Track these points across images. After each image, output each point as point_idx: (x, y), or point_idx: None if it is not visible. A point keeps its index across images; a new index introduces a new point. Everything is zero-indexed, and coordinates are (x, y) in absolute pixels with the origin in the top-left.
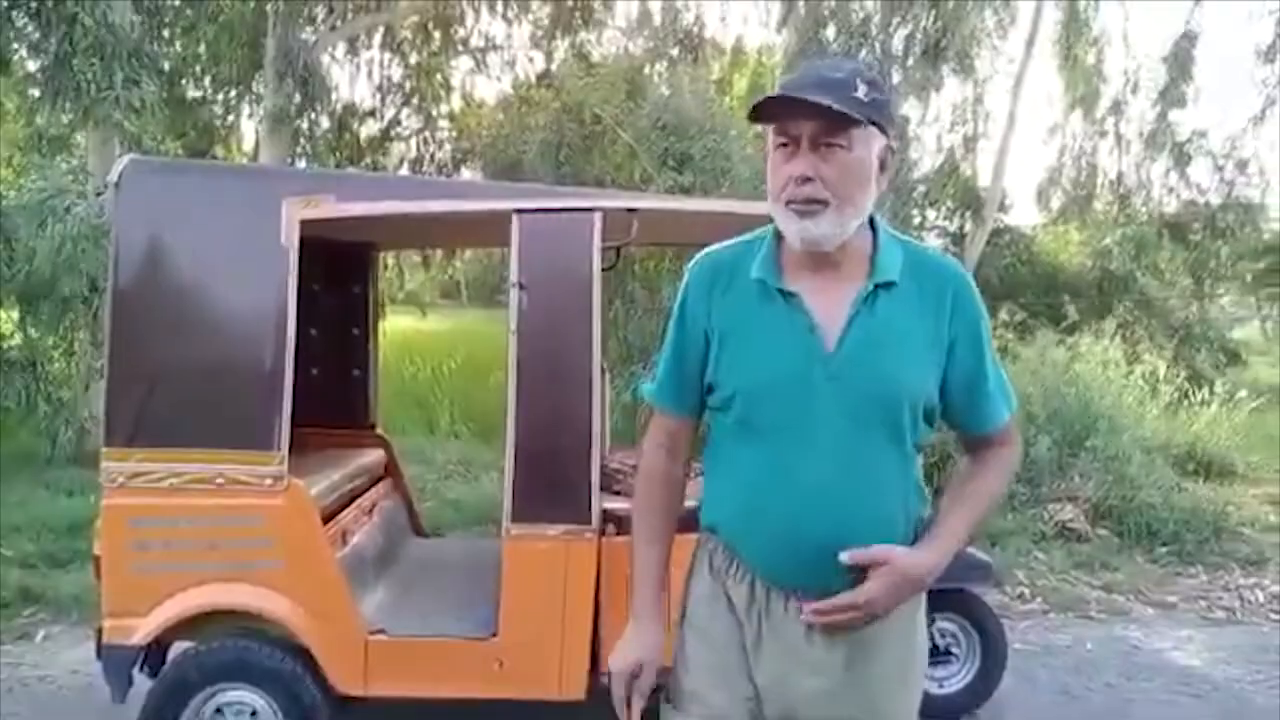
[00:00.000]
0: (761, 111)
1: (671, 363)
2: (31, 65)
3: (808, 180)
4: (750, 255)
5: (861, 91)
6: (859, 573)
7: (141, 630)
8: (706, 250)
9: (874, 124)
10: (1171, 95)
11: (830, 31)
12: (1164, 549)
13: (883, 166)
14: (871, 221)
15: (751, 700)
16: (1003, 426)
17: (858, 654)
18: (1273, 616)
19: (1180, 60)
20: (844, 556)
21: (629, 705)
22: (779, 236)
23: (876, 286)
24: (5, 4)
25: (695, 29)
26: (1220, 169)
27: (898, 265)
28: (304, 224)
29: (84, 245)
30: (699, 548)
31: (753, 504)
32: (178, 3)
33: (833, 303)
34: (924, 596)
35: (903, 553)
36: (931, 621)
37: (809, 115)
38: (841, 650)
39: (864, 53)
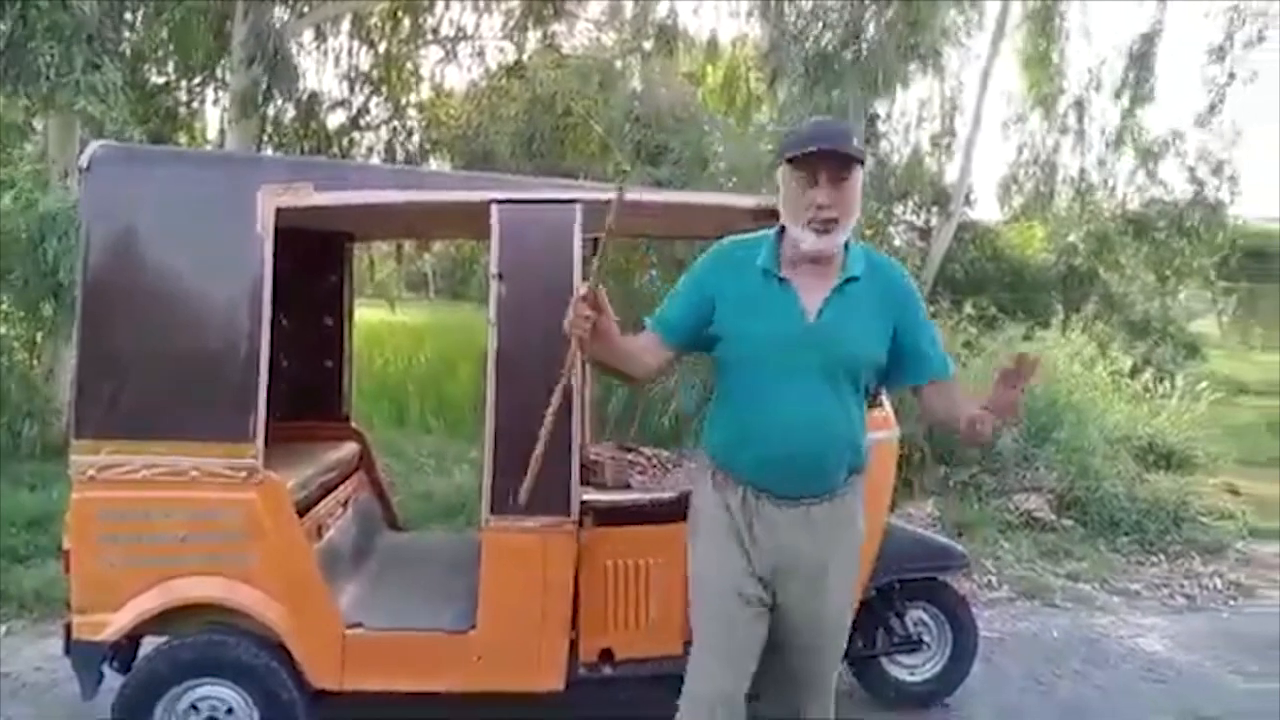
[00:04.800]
0: (800, 157)
1: (678, 306)
2: None
3: (829, 207)
4: (758, 250)
5: (855, 141)
6: (824, 482)
7: (112, 626)
8: (728, 239)
9: (862, 163)
10: (1135, 93)
11: (801, 25)
12: (1127, 538)
13: (862, 193)
14: None
15: (748, 568)
16: (950, 377)
17: (820, 526)
18: (1231, 602)
19: (1143, 58)
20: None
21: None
22: (779, 239)
23: (847, 280)
24: None
25: (668, 21)
26: (1192, 170)
27: (860, 265)
28: (279, 213)
29: (46, 233)
30: (700, 470)
31: (745, 433)
32: None
33: (815, 289)
34: (861, 493)
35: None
36: (905, 611)
37: (831, 159)
38: (804, 526)
39: (847, 51)
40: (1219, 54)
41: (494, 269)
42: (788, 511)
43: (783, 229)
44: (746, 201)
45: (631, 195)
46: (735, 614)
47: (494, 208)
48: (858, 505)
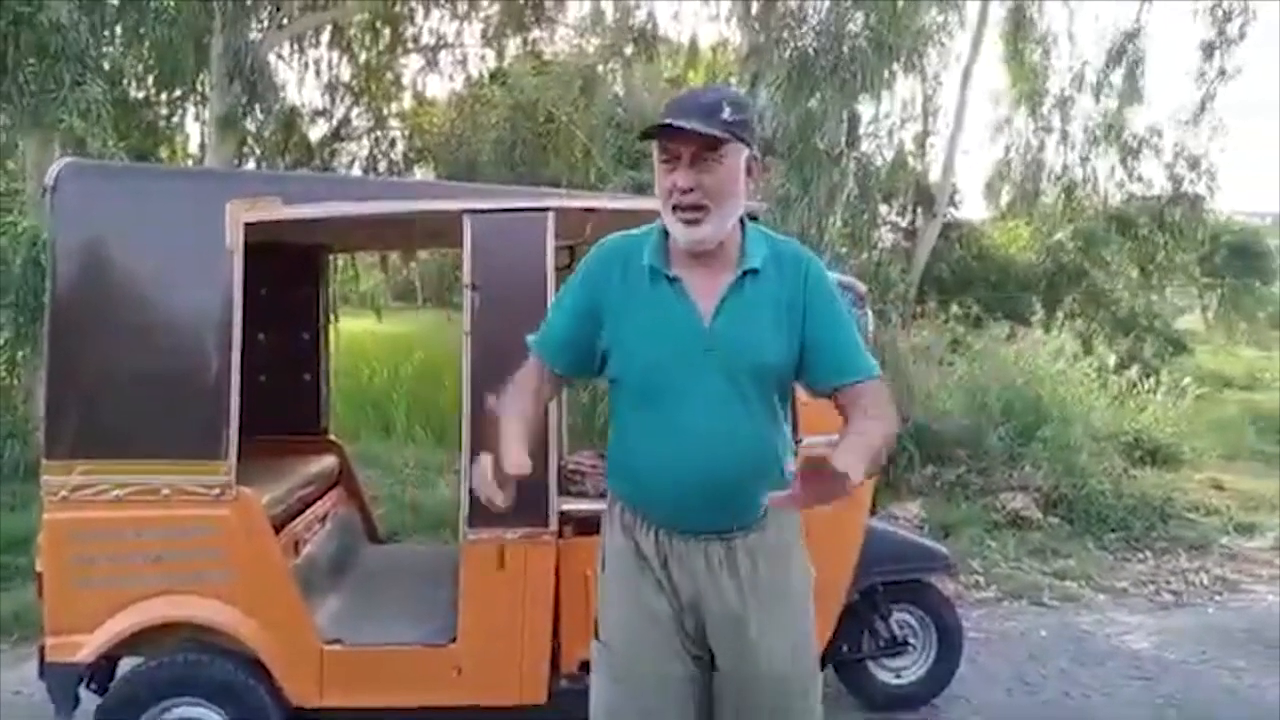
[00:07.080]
0: (652, 134)
1: (560, 322)
2: None
3: (690, 190)
4: (643, 245)
5: (727, 113)
6: (746, 511)
7: (87, 647)
8: (609, 237)
9: (739, 139)
10: (1124, 92)
11: (780, 28)
12: (1113, 535)
13: (749, 172)
14: (742, 220)
15: (673, 619)
16: (868, 380)
17: (745, 565)
18: (1216, 598)
19: (1130, 57)
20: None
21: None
22: (666, 231)
23: (745, 273)
24: None
25: (648, 26)
26: (1170, 166)
27: (762, 255)
28: (249, 226)
29: (42, 254)
30: (609, 508)
31: (650, 464)
32: (120, 1)
33: (709, 286)
34: (799, 531)
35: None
36: (889, 613)
37: (688, 137)
38: (726, 565)
39: (826, 54)
40: (1209, 51)
41: (467, 279)
42: (705, 549)
43: None
44: None
45: (603, 203)
46: (666, 703)
47: (466, 217)
48: (791, 534)
